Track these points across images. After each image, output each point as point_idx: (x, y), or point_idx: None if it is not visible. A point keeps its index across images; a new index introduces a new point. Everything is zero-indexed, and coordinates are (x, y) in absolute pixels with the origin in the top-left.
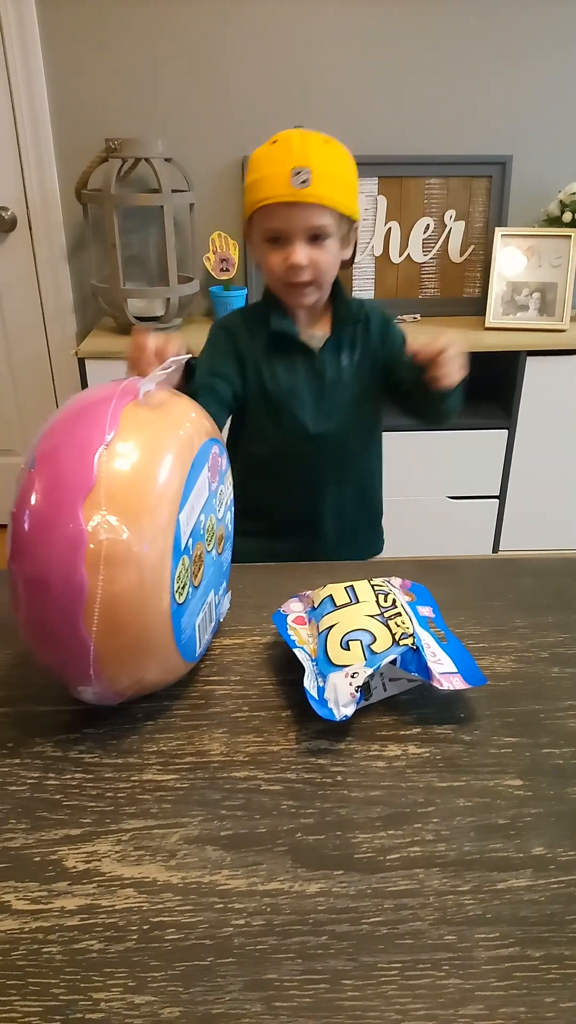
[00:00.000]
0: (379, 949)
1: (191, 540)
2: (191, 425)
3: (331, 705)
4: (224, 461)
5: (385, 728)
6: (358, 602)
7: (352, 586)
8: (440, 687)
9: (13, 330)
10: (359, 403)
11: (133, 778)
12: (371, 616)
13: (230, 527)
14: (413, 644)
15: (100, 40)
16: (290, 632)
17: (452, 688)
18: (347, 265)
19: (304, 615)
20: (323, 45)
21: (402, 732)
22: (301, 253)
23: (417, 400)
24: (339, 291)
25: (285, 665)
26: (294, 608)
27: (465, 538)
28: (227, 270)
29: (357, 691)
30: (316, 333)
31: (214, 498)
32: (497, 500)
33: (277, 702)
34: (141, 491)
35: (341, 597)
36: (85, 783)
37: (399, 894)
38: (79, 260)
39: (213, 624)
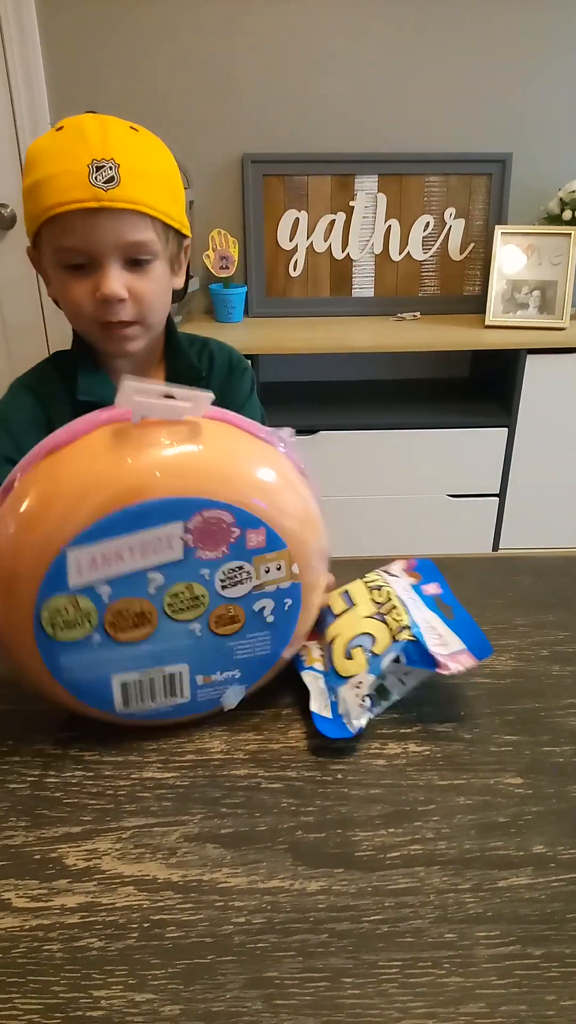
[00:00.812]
0: (379, 947)
1: (107, 588)
2: (172, 465)
3: (345, 721)
4: (254, 535)
5: (385, 726)
6: (355, 606)
7: (347, 591)
8: (447, 672)
9: (12, 328)
10: None
11: (133, 776)
12: (369, 617)
13: (265, 617)
14: (411, 636)
15: (99, 38)
16: (301, 652)
17: (460, 668)
18: (179, 296)
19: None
20: (323, 42)
21: (402, 730)
22: (115, 280)
23: None
24: (172, 333)
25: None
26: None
27: (465, 536)
28: (227, 268)
29: (366, 700)
30: None
31: (200, 565)
32: (497, 498)
33: (277, 700)
34: (39, 505)
35: (338, 605)
36: (85, 781)
37: (399, 892)
38: None
39: (183, 701)
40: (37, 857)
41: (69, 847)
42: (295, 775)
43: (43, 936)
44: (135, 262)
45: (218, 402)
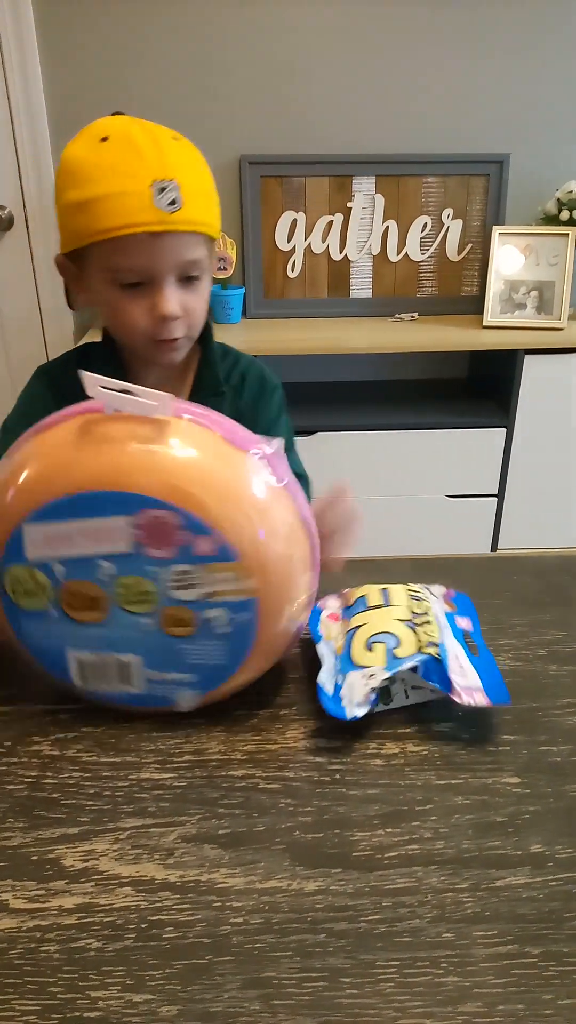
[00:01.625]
0: (377, 947)
1: (61, 568)
2: (126, 461)
3: (344, 703)
4: (203, 542)
5: (383, 726)
6: (390, 605)
7: (387, 588)
8: (459, 701)
9: (10, 328)
10: None
11: (131, 777)
12: (400, 620)
13: (211, 627)
14: (437, 654)
15: (97, 37)
16: (321, 628)
17: (472, 704)
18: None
19: (339, 612)
20: (320, 43)
21: (400, 730)
22: (173, 299)
23: None
24: (207, 343)
25: (284, 664)
26: (331, 604)
27: (464, 537)
28: (224, 269)
29: (372, 693)
30: None
31: (148, 562)
32: (495, 499)
33: (275, 700)
34: (9, 479)
35: (375, 598)
36: (83, 782)
37: (397, 892)
38: None
39: (136, 691)
40: (35, 858)
41: (67, 848)
42: (293, 775)
43: (41, 937)
44: (187, 279)
45: (248, 421)
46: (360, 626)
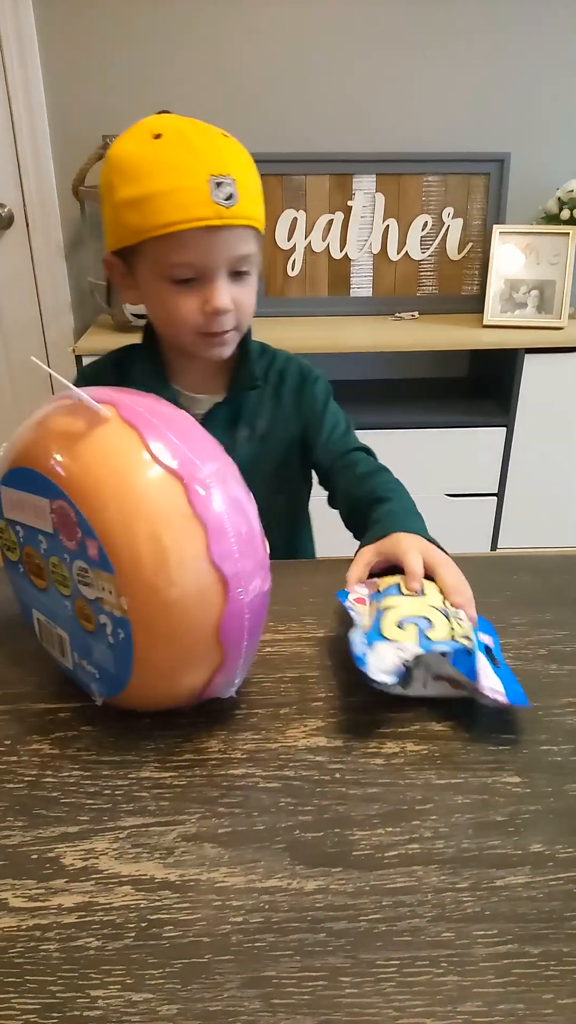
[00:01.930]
0: (377, 946)
1: (21, 530)
2: (53, 446)
3: (371, 669)
4: (91, 545)
5: (383, 725)
6: (424, 595)
7: (424, 583)
8: (484, 695)
9: (10, 327)
10: (266, 485)
11: (131, 775)
12: (435, 607)
13: (98, 619)
14: (470, 645)
15: (97, 36)
16: (351, 604)
17: (496, 701)
18: None
19: (366, 598)
20: (321, 42)
21: (400, 729)
22: (225, 294)
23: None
24: (245, 339)
25: (282, 663)
26: (358, 590)
27: (463, 536)
28: None
29: (402, 665)
30: (199, 397)
31: (63, 549)
32: (495, 498)
33: (275, 699)
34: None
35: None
36: (83, 780)
37: (397, 891)
38: (77, 257)
39: (69, 667)
40: (34, 857)
41: (66, 847)
42: (293, 774)
43: (40, 936)
44: (237, 273)
45: (292, 414)
46: (391, 607)
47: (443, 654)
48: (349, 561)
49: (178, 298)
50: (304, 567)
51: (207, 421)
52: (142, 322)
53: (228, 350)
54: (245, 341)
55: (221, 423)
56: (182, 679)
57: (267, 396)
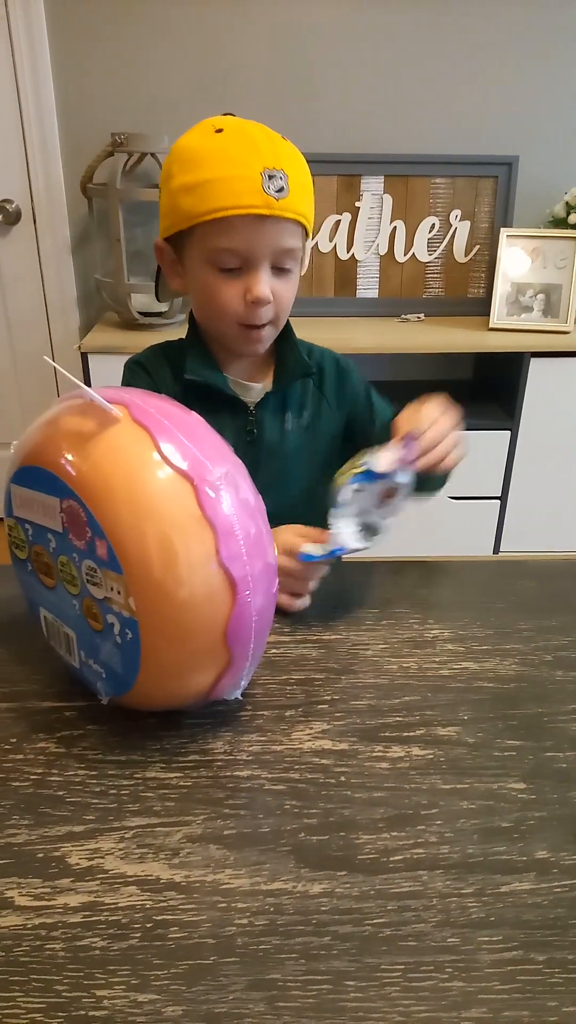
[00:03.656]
0: (382, 950)
1: (29, 528)
2: (64, 445)
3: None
4: (100, 545)
5: (389, 729)
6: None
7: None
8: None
9: (16, 323)
10: (310, 474)
11: (136, 775)
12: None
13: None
14: (361, 469)
15: (107, 34)
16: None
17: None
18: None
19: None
20: (329, 42)
21: (405, 734)
22: (266, 284)
23: None
24: (289, 333)
25: (288, 665)
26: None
27: (467, 539)
28: None
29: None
30: (253, 385)
31: (72, 548)
32: (499, 501)
33: (280, 702)
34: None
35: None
36: (88, 780)
37: (402, 896)
38: (83, 254)
39: (75, 665)
40: (40, 856)
41: (72, 846)
42: (298, 777)
43: (46, 935)
44: (280, 269)
45: (334, 407)
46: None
47: (355, 491)
48: (364, 564)
49: (221, 285)
50: None
51: (260, 407)
52: (149, 320)
53: (263, 347)
54: (287, 334)
55: (271, 410)
56: (189, 680)
57: (310, 387)
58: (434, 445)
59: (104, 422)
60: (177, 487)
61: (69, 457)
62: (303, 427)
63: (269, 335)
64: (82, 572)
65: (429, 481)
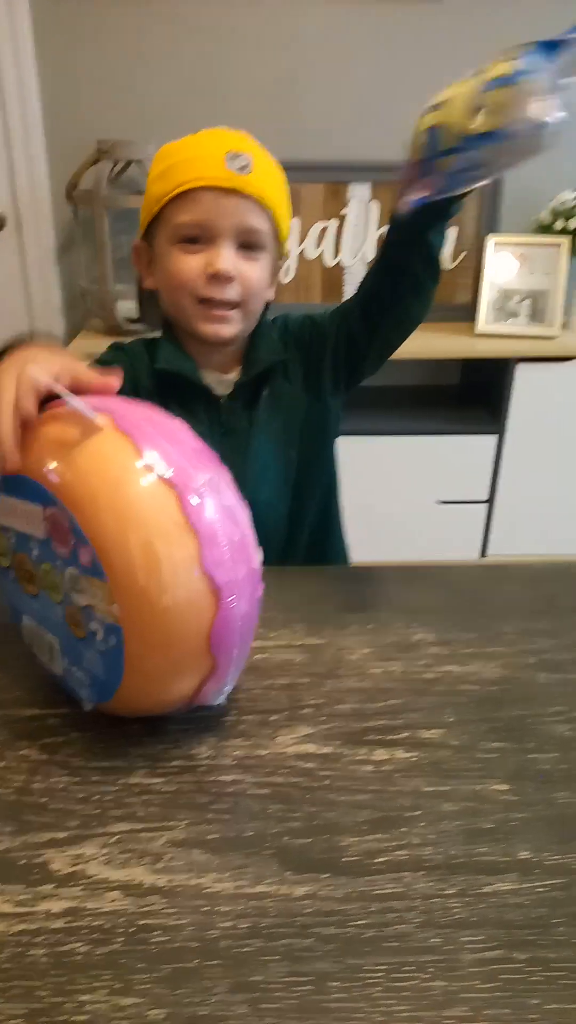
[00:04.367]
0: (365, 951)
1: (12, 536)
2: (46, 454)
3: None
4: (84, 552)
5: (373, 733)
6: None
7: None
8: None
9: (0, 329)
10: (283, 466)
11: (120, 781)
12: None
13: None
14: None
15: (92, 41)
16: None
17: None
18: (266, 306)
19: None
20: (316, 49)
21: (390, 737)
22: (228, 258)
23: (394, 277)
24: (262, 323)
25: (272, 670)
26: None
27: (455, 542)
28: None
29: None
30: (225, 377)
31: (55, 556)
32: (486, 505)
33: (265, 706)
34: None
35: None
36: (71, 786)
37: (385, 897)
38: (68, 261)
39: (58, 673)
40: (23, 862)
41: (55, 852)
42: (282, 781)
43: (28, 941)
44: (247, 247)
45: (300, 386)
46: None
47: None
48: (340, 571)
49: (183, 257)
50: (293, 574)
51: (231, 398)
52: (134, 327)
53: (227, 329)
54: (261, 324)
55: (242, 400)
56: (173, 686)
57: (281, 369)
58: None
59: (88, 430)
60: (160, 494)
61: (53, 465)
62: (274, 417)
63: (235, 320)
64: (65, 579)
65: (439, 221)
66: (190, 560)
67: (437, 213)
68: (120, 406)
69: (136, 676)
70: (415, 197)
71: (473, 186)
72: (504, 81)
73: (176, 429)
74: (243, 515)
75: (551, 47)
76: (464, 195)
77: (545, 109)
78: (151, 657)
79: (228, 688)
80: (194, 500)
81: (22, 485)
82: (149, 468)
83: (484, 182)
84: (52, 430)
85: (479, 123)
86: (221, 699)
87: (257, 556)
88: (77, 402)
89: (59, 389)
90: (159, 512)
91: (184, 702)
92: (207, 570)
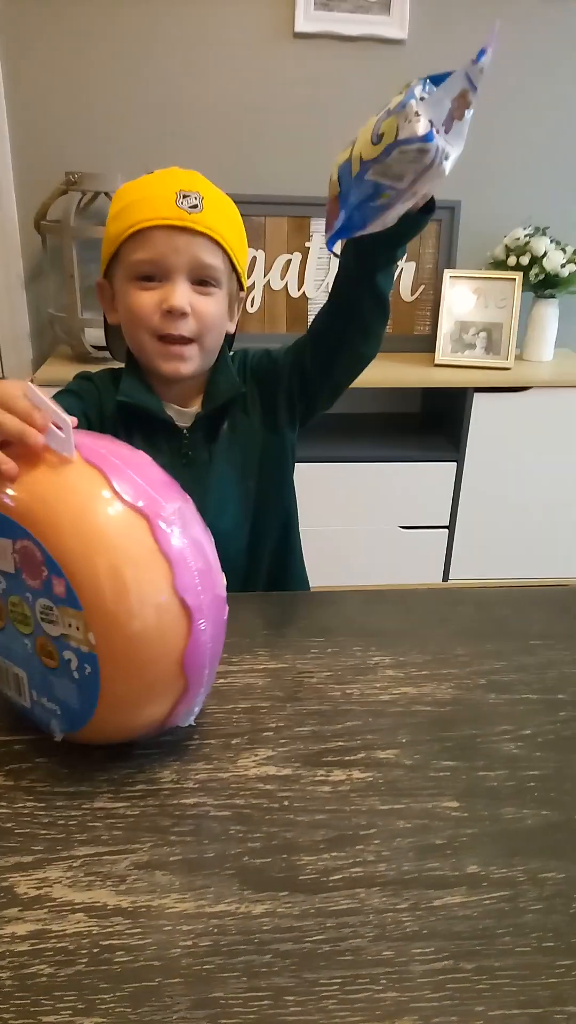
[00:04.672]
0: (321, 966)
1: None
2: (16, 488)
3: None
4: (58, 583)
5: (331, 754)
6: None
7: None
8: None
9: None
10: (244, 496)
11: (84, 806)
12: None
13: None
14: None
15: (61, 73)
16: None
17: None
18: (228, 342)
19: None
20: (282, 86)
21: (347, 758)
22: (182, 294)
23: (351, 300)
24: (222, 357)
25: (235, 694)
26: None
27: (417, 566)
28: None
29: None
30: (186, 410)
31: (25, 588)
32: (447, 530)
33: (227, 730)
34: None
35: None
36: (37, 811)
37: (341, 913)
38: (36, 288)
39: (25, 705)
40: None
41: (20, 876)
42: (243, 803)
43: None
44: (202, 283)
45: (258, 420)
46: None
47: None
48: (304, 595)
49: (139, 294)
50: (256, 600)
51: (193, 430)
52: (101, 354)
53: (186, 367)
54: (219, 359)
55: (203, 432)
56: (146, 710)
57: (241, 402)
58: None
59: (56, 463)
60: (132, 522)
61: (23, 499)
62: (234, 449)
63: (191, 356)
64: (36, 611)
65: (386, 260)
66: (163, 585)
67: (383, 255)
68: (86, 439)
69: (111, 701)
70: (329, 235)
71: (382, 216)
72: (397, 107)
73: (142, 462)
74: (209, 545)
75: (438, 79)
76: (401, 236)
77: (424, 125)
78: (127, 682)
79: (197, 709)
80: (164, 527)
81: None
82: (119, 498)
83: (393, 212)
84: (20, 464)
85: (372, 149)
86: (191, 720)
87: (222, 582)
88: (53, 433)
89: (55, 408)
90: (131, 540)
91: (156, 725)
92: (179, 594)
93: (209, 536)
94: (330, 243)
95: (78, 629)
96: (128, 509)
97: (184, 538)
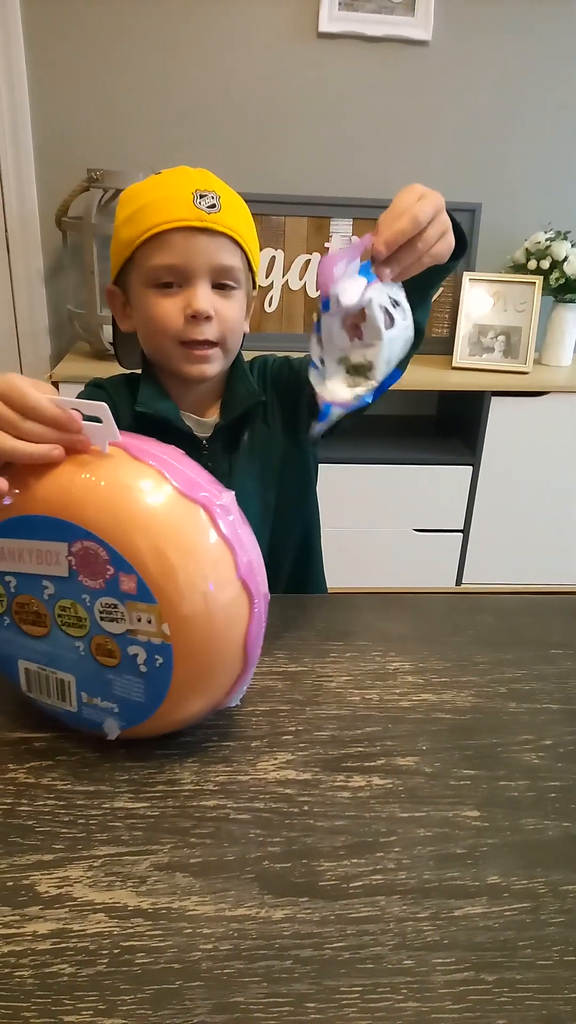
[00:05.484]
0: (341, 973)
1: (13, 580)
2: (70, 491)
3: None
4: (126, 579)
5: (350, 760)
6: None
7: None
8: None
9: None
10: (264, 505)
11: (105, 805)
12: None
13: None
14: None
15: (85, 73)
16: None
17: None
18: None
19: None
20: (304, 86)
21: (366, 764)
22: (206, 298)
23: None
24: (238, 363)
25: (254, 696)
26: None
27: (431, 570)
28: None
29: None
30: (205, 420)
31: (82, 589)
32: (461, 534)
33: (246, 733)
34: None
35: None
36: (57, 810)
37: (361, 920)
38: (56, 284)
39: (71, 710)
40: (9, 884)
41: (41, 875)
42: (263, 806)
43: (15, 962)
44: (222, 286)
45: (278, 425)
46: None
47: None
48: (321, 599)
49: (160, 302)
50: (274, 602)
51: (213, 440)
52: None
53: (211, 368)
54: (237, 365)
55: (223, 444)
56: (209, 693)
57: (259, 416)
58: (407, 236)
59: (106, 463)
60: (194, 513)
61: (80, 500)
62: (254, 460)
63: (216, 358)
64: (94, 611)
65: (419, 298)
66: (228, 570)
67: (415, 295)
68: (129, 439)
69: (179, 689)
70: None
71: (357, 394)
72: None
73: (183, 458)
74: (251, 531)
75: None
76: (434, 281)
77: (348, 291)
78: (199, 667)
79: (245, 688)
80: (222, 515)
81: (35, 525)
82: (177, 491)
83: (371, 384)
84: (68, 466)
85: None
86: (237, 700)
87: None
88: (110, 424)
89: (98, 407)
90: (196, 530)
91: (209, 709)
92: (242, 577)
93: (249, 528)
94: (319, 431)
95: (150, 622)
96: (188, 501)
97: (239, 524)
